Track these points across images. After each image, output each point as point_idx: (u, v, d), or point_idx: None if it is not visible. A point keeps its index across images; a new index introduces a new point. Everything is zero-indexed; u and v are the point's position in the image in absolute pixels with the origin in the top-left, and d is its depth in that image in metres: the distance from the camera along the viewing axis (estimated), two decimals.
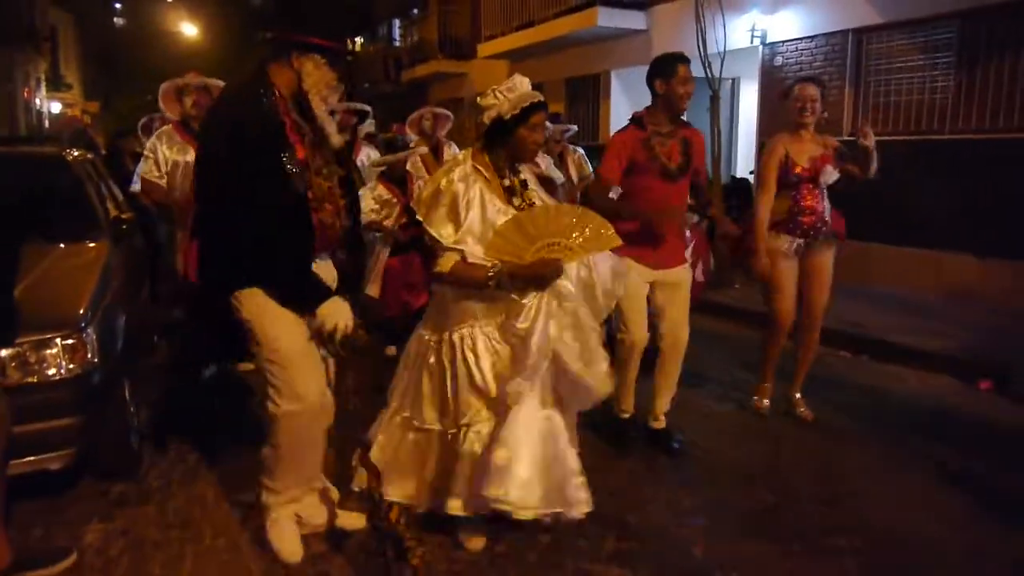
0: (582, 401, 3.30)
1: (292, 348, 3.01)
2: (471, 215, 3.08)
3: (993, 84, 7.91)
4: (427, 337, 3.31)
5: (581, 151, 7.50)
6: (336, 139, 3.16)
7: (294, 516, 3.31)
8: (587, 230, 3.13)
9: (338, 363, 3.44)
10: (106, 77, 38.75)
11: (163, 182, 5.59)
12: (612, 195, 4.36)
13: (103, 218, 4.98)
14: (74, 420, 3.50)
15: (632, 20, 12.69)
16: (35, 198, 4.66)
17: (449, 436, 3.23)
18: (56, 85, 29.60)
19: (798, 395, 5.04)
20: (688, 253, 4.93)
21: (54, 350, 3.42)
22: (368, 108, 7.39)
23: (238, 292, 2.96)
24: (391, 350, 5.88)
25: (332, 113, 6.74)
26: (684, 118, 4.43)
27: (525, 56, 15.31)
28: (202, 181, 2.97)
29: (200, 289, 3.27)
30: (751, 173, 11.34)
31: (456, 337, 3.17)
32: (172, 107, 5.73)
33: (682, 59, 4.25)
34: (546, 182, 5.66)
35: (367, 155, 7.09)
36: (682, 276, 4.44)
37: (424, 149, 6.79)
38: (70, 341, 3.47)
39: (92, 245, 4.59)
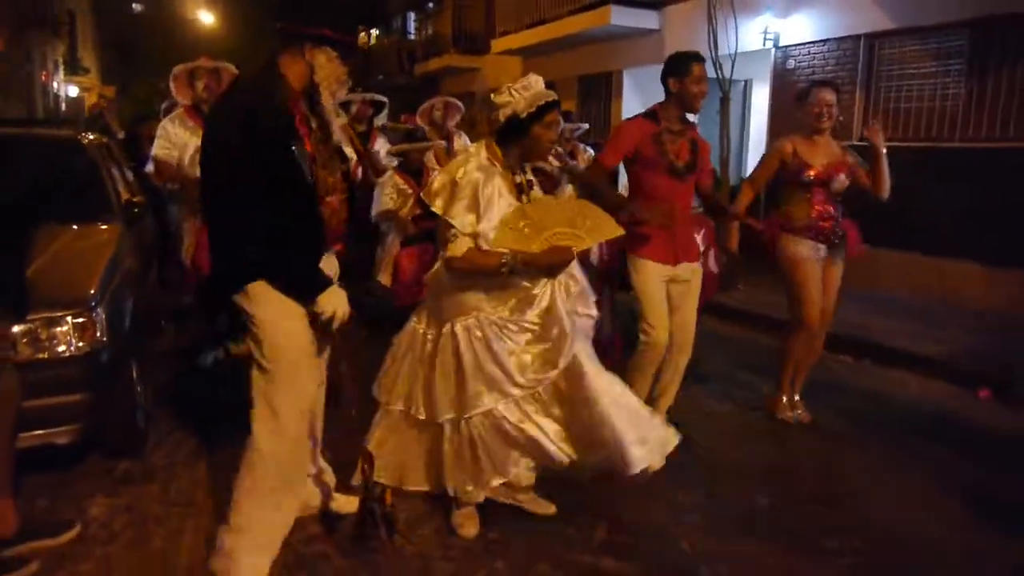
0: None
1: (293, 359, 2.99)
2: (490, 204, 3.10)
3: (1004, 93, 7.92)
4: (421, 330, 3.35)
5: (591, 150, 7.54)
6: (339, 134, 3.17)
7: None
8: (591, 220, 3.19)
9: (334, 351, 3.48)
10: (123, 62, 38.90)
11: (174, 161, 5.67)
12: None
13: (115, 201, 5.06)
14: (82, 396, 3.59)
15: (645, 19, 12.71)
16: (50, 179, 4.72)
17: (450, 425, 3.26)
18: (73, 69, 29.67)
19: (797, 397, 5.07)
20: (698, 241, 4.94)
21: (64, 328, 3.50)
22: (385, 100, 7.45)
23: (250, 286, 2.92)
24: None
25: (349, 104, 6.84)
26: (695, 119, 4.46)
27: (538, 53, 15.35)
28: (210, 169, 2.96)
29: (209, 279, 3.27)
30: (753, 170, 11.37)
31: (459, 328, 3.19)
32: (184, 91, 5.81)
33: (697, 58, 4.26)
34: (546, 178, 5.72)
35: (383, 145, 7.16)
36: (693, 273, 4.47)
37: (442, 144, 6.85)
38: (80, 319, 3.55)
39: (104, 227, 4.67)
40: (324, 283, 2.97)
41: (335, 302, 2.95)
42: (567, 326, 3.19)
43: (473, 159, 3.20)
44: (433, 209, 3.20)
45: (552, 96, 3.22)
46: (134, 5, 42.43)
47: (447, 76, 20.62)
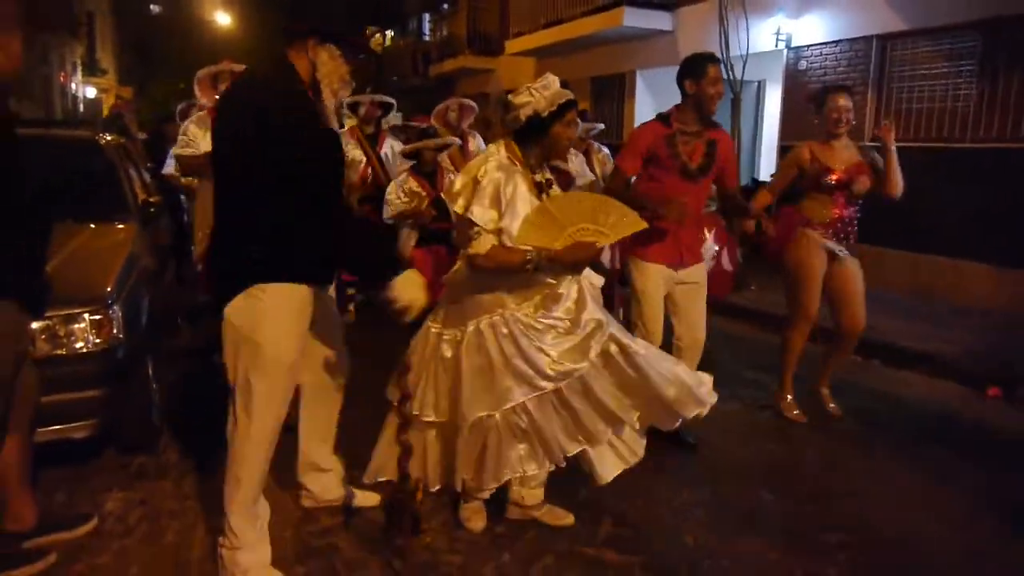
0: None
1: (285, 371, 3.00)
2: (512, 202, 3.09)
3: (1015, 93, 7.91)
4: (436, 331, 3.29)
5: (606, 150, 7.56)
6: (346, 136, 3.15)
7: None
8: (613, 215, 3.15)
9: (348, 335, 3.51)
10: (141, 63, 39.16)
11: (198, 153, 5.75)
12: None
13: (132, 201, 5.15)
14: (98, 392, 3.67)
15: (658, 21, 12.74)
16: (68, 179, 4.80)
17: (471, 423, 3.18)
18: (92, 70, 29.88)
19: (827, 391, 5.17)
20: (710, 240, 4.97)
21: (82, 324, 3.59)
22: (393, 101, 7.52)
23: (264, 285, 2.90)
24: None
25: (358, 105, 6.88)
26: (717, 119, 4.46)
27: (551, 54, 15.40)
28: (221, 164, 2.93)
29: (215, 279, 3.17)
30: (772, 176, 11.38)
31: (485, 325, 3.15)
32: (207, 93, 5.91)
33: (713, 59, 4.28)
34: (563, 176, 5.73)
35: (391, 147, 7.22)
36: (701, 274, 4.51)
37: (457, 140, 6.90)
38: (97, 316, 3.63)
39: (121, 226, 4.76)
40: (397, 267, 2.91)
41: (410, 290, 2.91)
42: (601, 316, 3.20)
43: (493, 159, 3.19)
44: (455, 209, 3.19)
45: (570, 95, 3.24)
46: (152, 6, 42.70)
47: (462, 77, 20.69)
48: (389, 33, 28.41)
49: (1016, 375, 5.70)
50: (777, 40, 10.45)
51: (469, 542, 3.41)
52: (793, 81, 10.60)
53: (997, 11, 7.87)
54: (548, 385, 3.12)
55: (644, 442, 3.41)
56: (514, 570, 3.23)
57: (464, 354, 3.17)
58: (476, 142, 7.49)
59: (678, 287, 4.42)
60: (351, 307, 7.02)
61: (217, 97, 5.80)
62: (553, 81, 3.24)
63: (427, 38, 24.69)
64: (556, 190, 3.41)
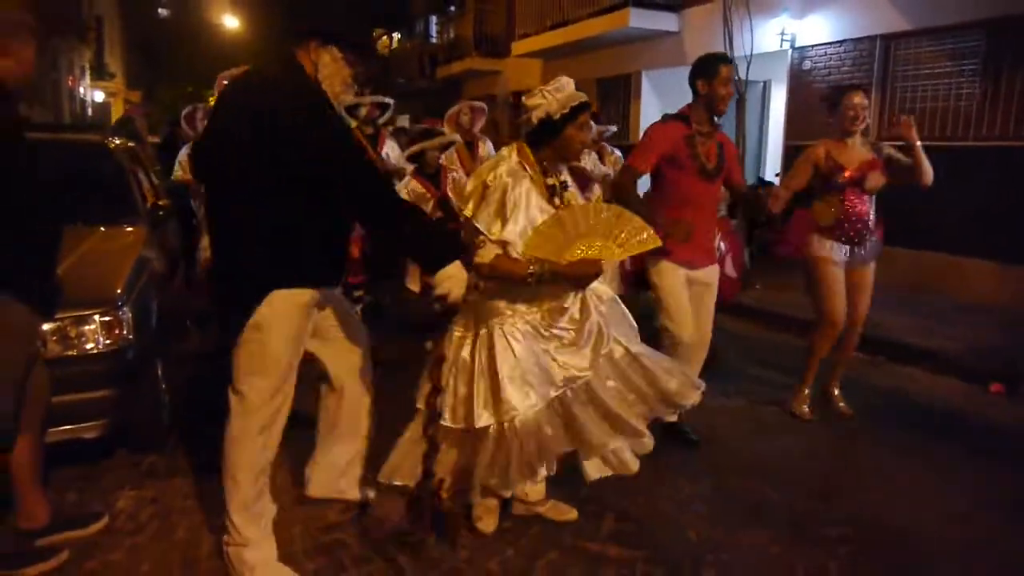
0: None
1: (285, 371, 3.04)
2: (518, 211, 3.07)
3: (1018, 92, 7.93)
4: (459, 335, 3.26)
5: (618, 152, 7.57)
6: None
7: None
8: (626, 231, 3.10)
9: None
10: (149, 67, 39.33)
11: None
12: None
13: (141, 204, 5.21)
14: (109, 392, 3.72)
15: (664, 22, 12.74)
16: (78, 183, 4.86)
17: (489, 428, 3.13)
18: (100, 74, 29.99)
19: (837, 391, 5.20)
20: (717, 243, 5.01)
21: (92, 326, 3.64)
22: (390, 101, 7.48)
23: (276, 292, 2.91)
24: (430, 344, 5.95)
25: (358, 107, 6.92)
26: (719, 121, 4.50)
27: (558, 55, 15.44)
28: (220, 164, 2.91)
29: (223, 285, 3.16)
30: (776, 175, 11.41)
31: (496, 330, 3.13)
32: None
33: (724, 60, 4.31)
34: (579, 175, 5.74)
35: (391, 148, 7.23)
36: (713, 276, 4.55)
37: (458, 137, 6.91)
38: (107, 318, 3.68)
39: (130, 229, 4.82)
40: (446, 257, 2.91)
41: (453, 281, 2.91)
42: (603, 327, 3.21)
43: (504, 163, 3.17)
44: (464, 211, 3.18)
45: (584, 97, 3.22)
46: (160, 10, 42.88)
47: (469, 79, 20.74)
48: (396, 35, 28.48)
49: (1019, 371, 5.74)
50: (781, 40, 10.45)
51: (473, 537, 3.45)
52: (798, 81, 10.62)
53: (1001, 11, 7.89)
54: (554, 392, 3.14)
55: (638, 461, 3.48)
56: (518, 565, 3.27)
57: (476, 358, 3.16)
58: (487, 147, 7.44)
59: (692, 287, 4.45)
60: (358, 309, 7.05)
61: None
62: (567, 83, 3.22)
63: (434, 40, 24.74)
64: (572, 191, 3.39)
